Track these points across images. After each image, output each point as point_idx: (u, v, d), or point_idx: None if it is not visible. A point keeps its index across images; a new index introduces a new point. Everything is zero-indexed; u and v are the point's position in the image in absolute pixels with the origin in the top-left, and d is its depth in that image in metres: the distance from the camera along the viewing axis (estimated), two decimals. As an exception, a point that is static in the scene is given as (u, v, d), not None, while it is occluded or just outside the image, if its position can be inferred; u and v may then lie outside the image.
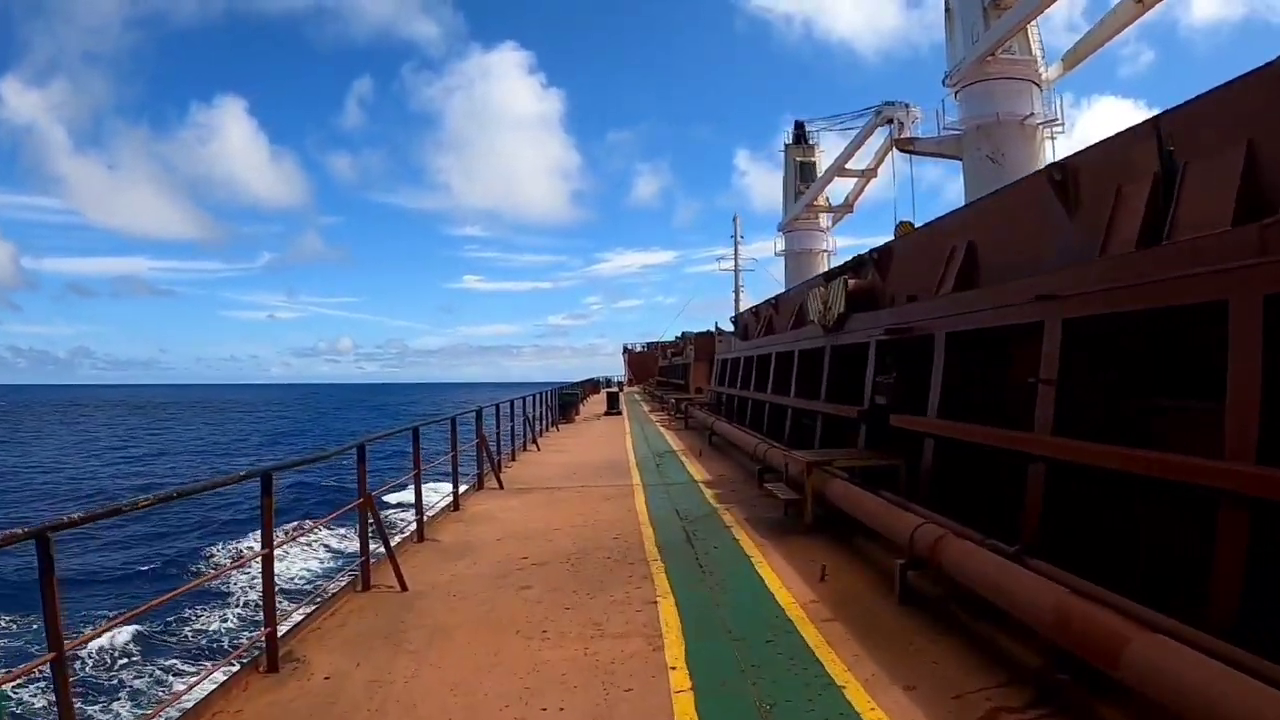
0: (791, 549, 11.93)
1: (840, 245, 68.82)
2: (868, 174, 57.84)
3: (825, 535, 12.60)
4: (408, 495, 21.95)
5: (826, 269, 65.92)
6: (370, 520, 10.33)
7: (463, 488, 16.72)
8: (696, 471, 20.79)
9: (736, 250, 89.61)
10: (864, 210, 65.03)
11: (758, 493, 16.74)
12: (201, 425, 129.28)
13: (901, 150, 43.57)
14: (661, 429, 34.78)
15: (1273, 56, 7.28)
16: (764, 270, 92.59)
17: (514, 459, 23.91)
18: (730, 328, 41.15)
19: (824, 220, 67.18)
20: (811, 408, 19.16)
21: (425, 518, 13.77)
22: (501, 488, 18.48)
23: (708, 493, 17.38)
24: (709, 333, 56.15)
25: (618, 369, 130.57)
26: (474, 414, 18.51)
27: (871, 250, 17.69)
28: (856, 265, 18.57)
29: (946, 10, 42.46)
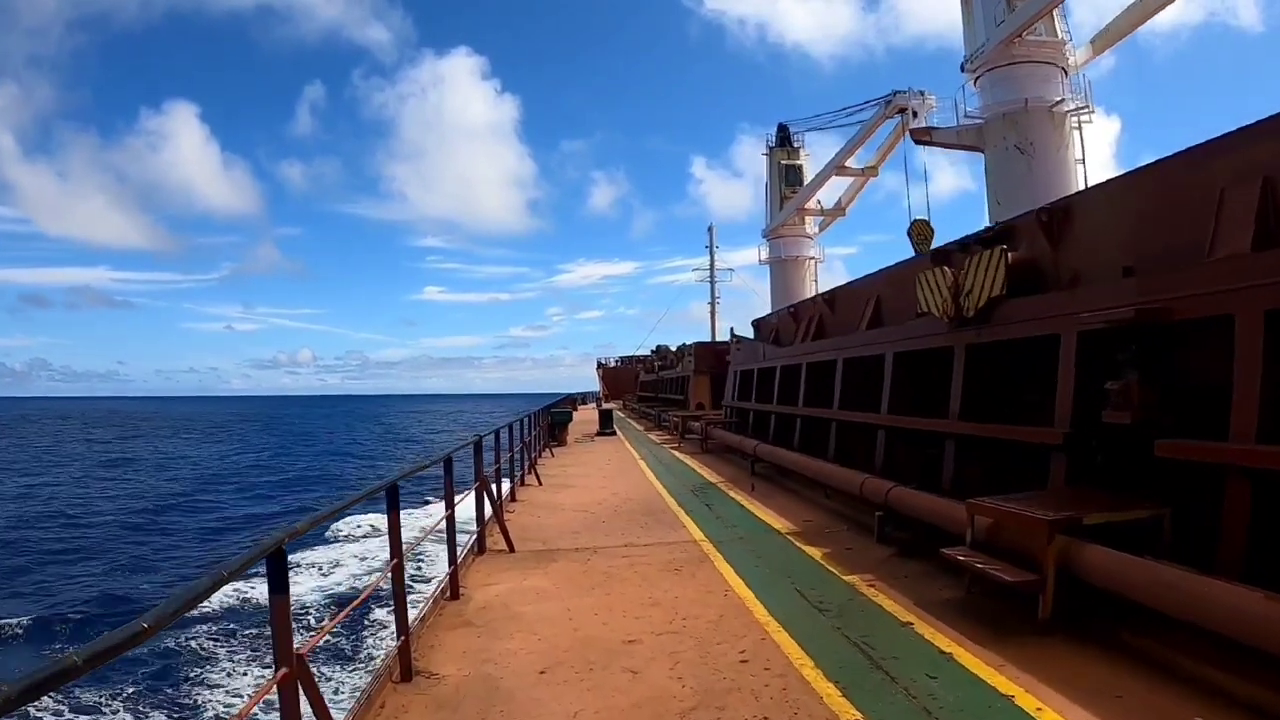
0: (1063, 675, 6.66)
1: (827, 253, 64.09)
2: (868, 173, 52.75)
3: (1079, 637, 7.50)
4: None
5: (814, 276, 62.98)
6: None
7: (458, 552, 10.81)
8: (764, 514, 15.16)
9: (712, 260, 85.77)
10: (852, 214, 60.10)
11: (890, 554, 11.47)
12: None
13: (919, 141, 38.56)
14: (675, 452, 28.78)
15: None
16: (739, 278, 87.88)
17: (514, 498, 17.94)
18: (746, 334, 35.39)
19: (811, 225, 61.92)
20: (935, 428, 13.47)
21: (412, 621, 7.75)
22: (512, 550, 12.54)
23: (811, 551, 11.83)
24: (712, 343, 50.69)
25: (582, 381, 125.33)
26: (472, 445, 12.55)
27: (1038, 211, 12.06)
28: (998, 235, 12.93)
29: None
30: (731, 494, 17.74)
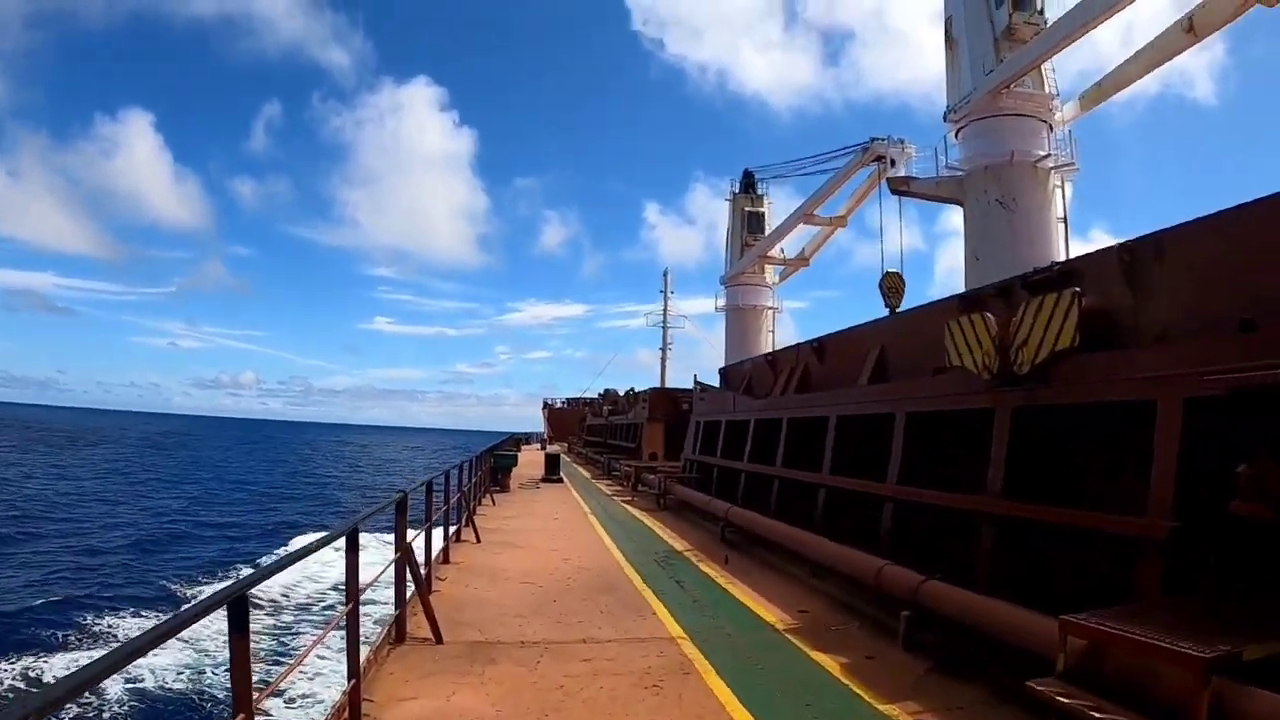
0: None
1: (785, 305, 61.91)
2: (836, 222, 50.34)
3: None
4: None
5: (771, 327, 60.71)
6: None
7: (363, 649, 8.13)
8: (748, 597, 12.52)
9: (666, 305, 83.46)
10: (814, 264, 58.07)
11: (926, 669, 8.84)
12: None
13: (896, 191, 36.17)
14: (629, 507, 25.98)
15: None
16: (690, 326, 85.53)
17: (446, 559, 15.06)
18: (709, 382, 32.76)
19: (771, 275, 59.69)
20: (966, 506, 10.97)
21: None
22: (439, 641, 9.65)
23: (823, 661, 9.19)
24: (669, 389, 47.94)
25: (526, 421, 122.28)
26: (396, 503, 9.65)
27: (1120, 249, 9.68)
28: (1058, 278, 10.48)
29: (948, 40, 36.12)
30: (703, 566, 15.08)
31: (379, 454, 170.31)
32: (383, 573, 9.21)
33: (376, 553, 17.83)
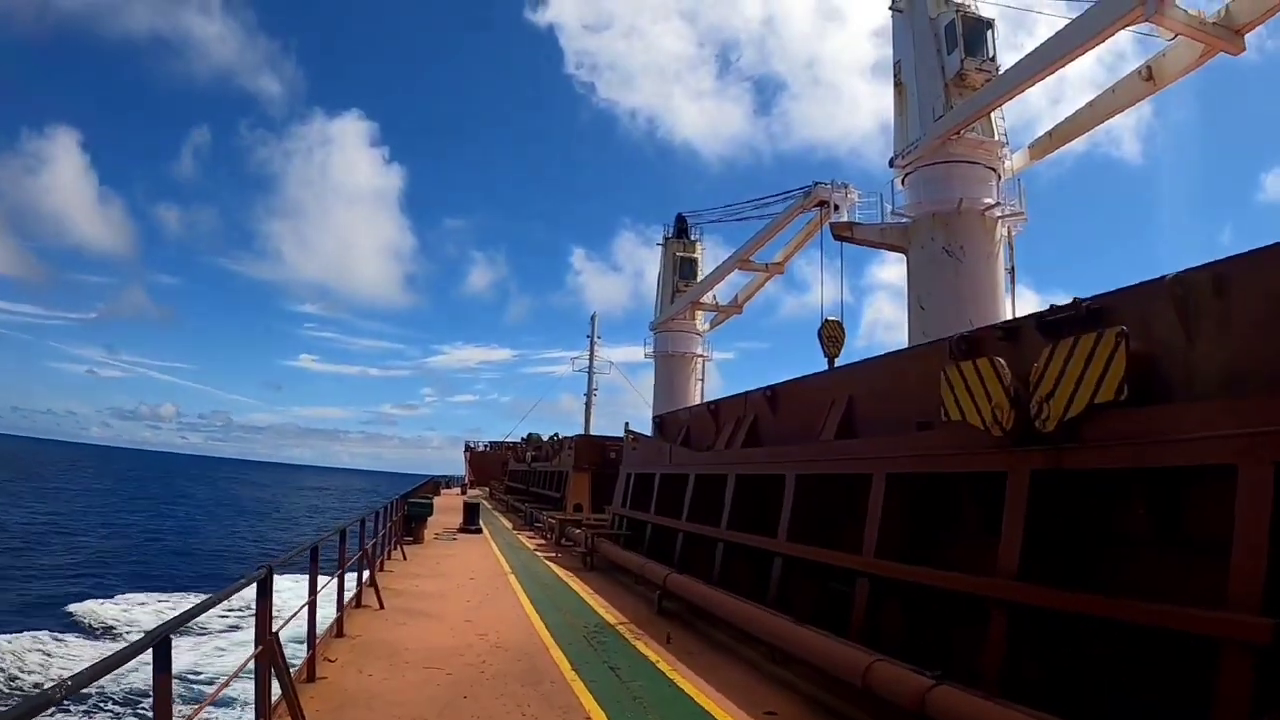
0: None
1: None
2: (772, 269, 48.90)
3: None
4: None
5: (700, 375, 59.04)
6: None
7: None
8: (703, 696, 10.30)
9: (593, 350, 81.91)
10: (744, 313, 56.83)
11: None
12: None
13: (838, 237, 34.72)
14: (552, 565, 23.63)
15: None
16: (615, 373, 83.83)
17: (340, 631, 12.76)
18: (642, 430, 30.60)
19: (701, 322, 58.17)
20: (972, 588, 9.05)
21: None
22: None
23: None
24: (596, 437, 45.69)
25: (449, 464, 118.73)
26: (258, 582, 7.38)
27: (1172, 281, 7.84)
28: (1087, 317, 8.60)
29: (896, 85, 35.04)
30: (640, 646, 12.93)
31: (276, 495, 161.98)
32: (240, 669, 6.98)
33: (291, 593, 15.28)
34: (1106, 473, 7.97)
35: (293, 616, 9.08)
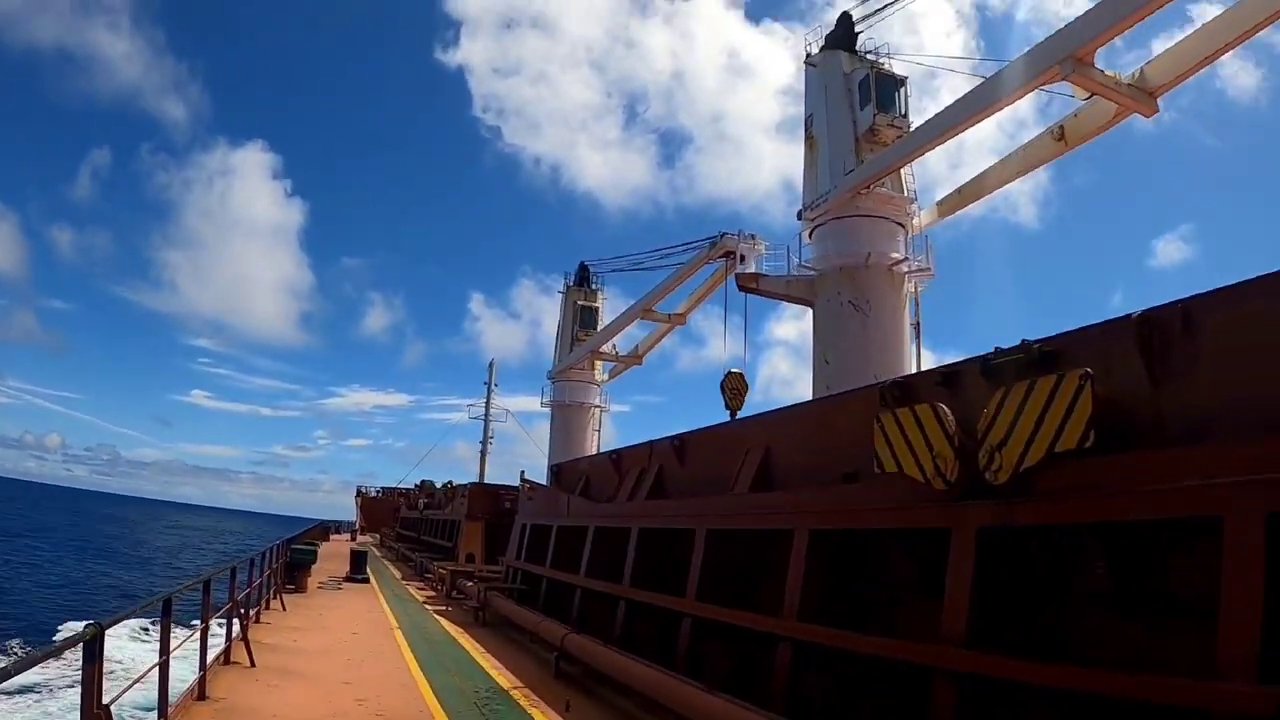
0: None
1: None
2: (674, 320, 48.35)
3: None
4: None
5: (597, 426, 58.10)
6: None
7: None
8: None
9: (489, 398, 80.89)
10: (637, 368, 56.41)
11: None
12: None
13: (744, 289, 34.42)
14: (442, 620, 22.10)
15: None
16: (512, 422, 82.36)
17: (201, 693, 11.27)
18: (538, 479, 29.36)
19: (600, 372, 57.61)
20: (915, 657, 8.15)
21: None
22: None
23: None
24: (490, 485, 44.19)
25: (340, 509, 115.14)
26: (84, 643, 6.09)
27: (1139, 320, 7.16)
28: (1038, 360, 7.85)
29: (808, 138, 35.08)
30: (537, 716, 11.69)
31: (148, 534, 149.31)
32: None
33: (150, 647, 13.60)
34: (1064, 528, 7.24)
35: (136, 681, 7.84)
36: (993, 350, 8.62)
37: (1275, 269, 6.36)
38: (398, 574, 38.28)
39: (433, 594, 29.42)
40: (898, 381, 10.07)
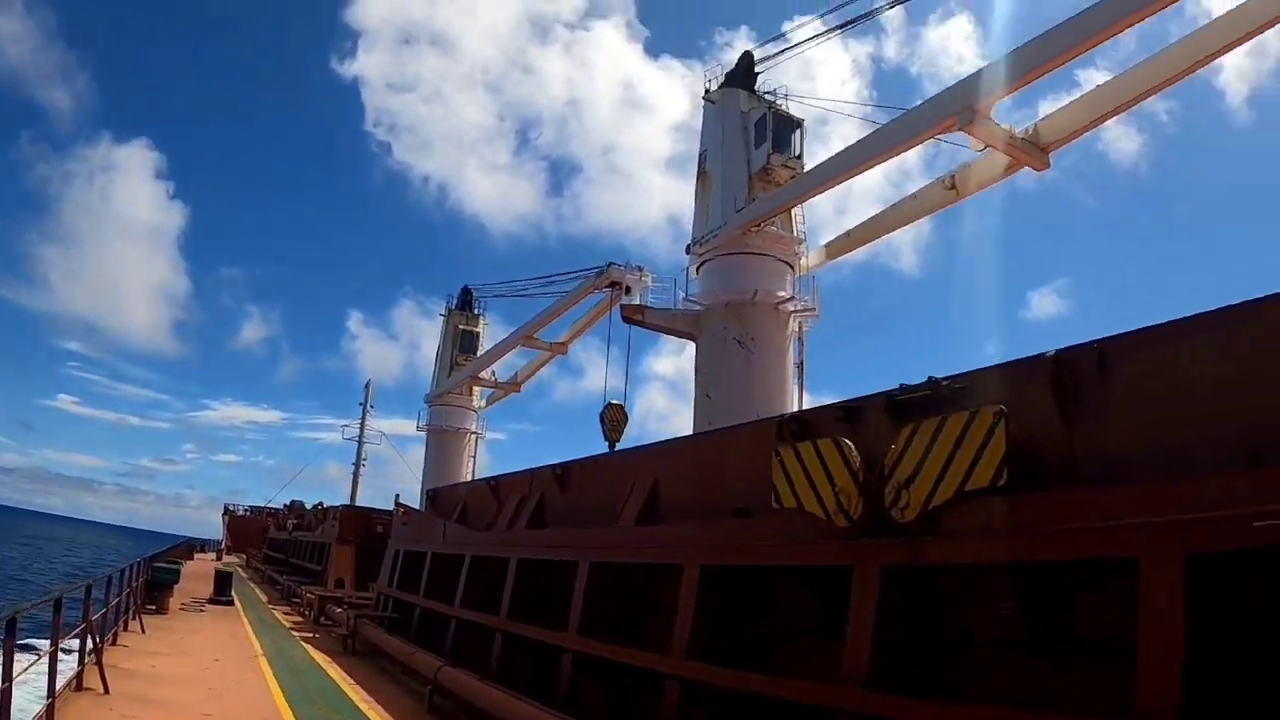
0: None
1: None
2: (555, 348, 47.92)
3: None
4: None
5: (473, 453, 57.13)
6: None
7: None
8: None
9: (364, 419, 79.16)
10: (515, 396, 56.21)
11: None
12: None
13: (629, 320, 33.99)
14: (310, 648, 21.06)
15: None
16: (386, 445, 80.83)
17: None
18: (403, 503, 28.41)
19: (478, 398, 56.84)
20: (814, 699, 7.74)
21: None
22: None
23: None
24: (363, 508, 42.88)
25: (207, 527, 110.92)
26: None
27: (1054, 359, 7.07)
28: (949, 395, 7.69)
29: (701, 173, 34.82)
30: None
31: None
32: None
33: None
34: (973, 567, 7.00)
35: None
36: (898, 387, 8.39)
37: (1168, 319, 6.40)
38: (264, 597, 36.83)
39: (300, 619, 28.24)
40: (796, 415, 9.85)
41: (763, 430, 10.07)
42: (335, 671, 17.52)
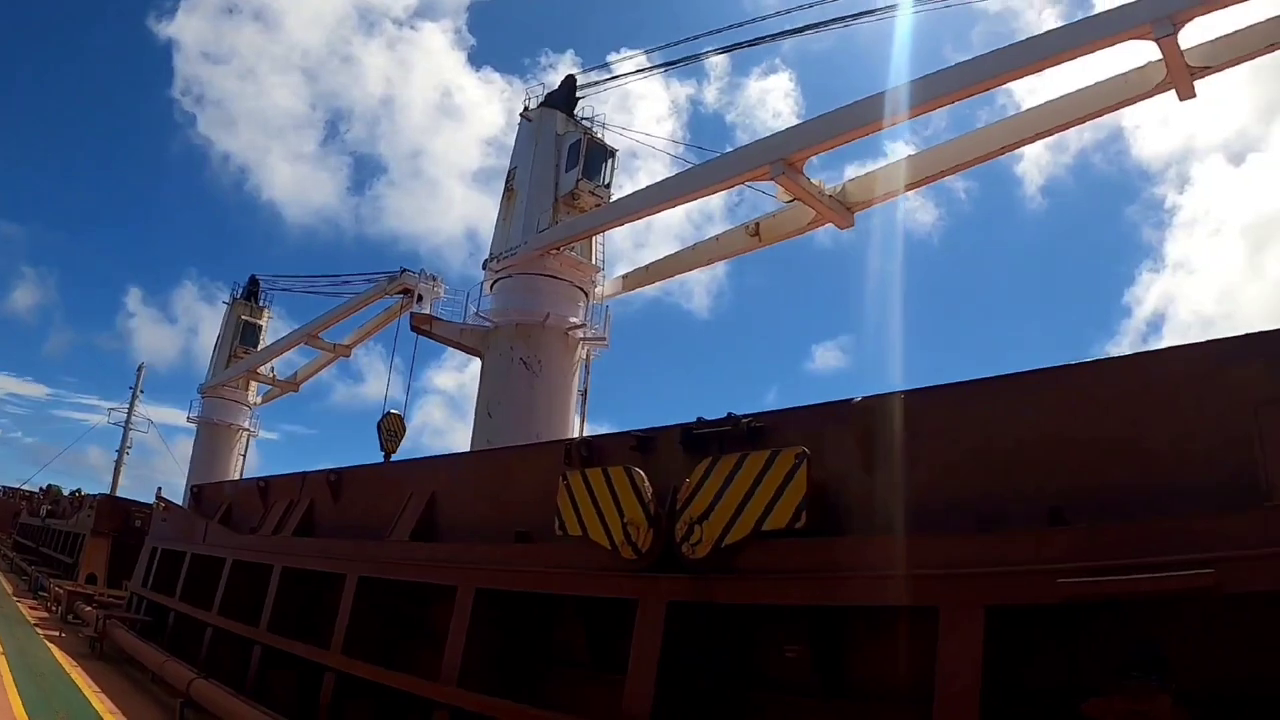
0: None
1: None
2: (339, 350, 46.51)
3: None
4: None
5: (244, 450, 54.76)
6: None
7: None
8: None
9: (133, 405, 74.92)
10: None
11: None
12: None
13: (417, 329, 33.19)
14: (54, 649, 19.17)
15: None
16: (153, 434, 76.93)
17: None
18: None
19: (254, 394, 54.95)
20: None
21: None
22: None
23: None
24: (122, 499, 40.10)
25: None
26: None
27: (859, 404, 7.14)
28: (747, 433, 7.63)
29: (508, 189, 34.44)
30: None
31: None
32: None
33: None
34: (764, 608, 6.74)
35: None
36: (695, 420, 8.10)
37: (972, 377, 6.45)
38: (9, 588, 33.93)
39: (46, 615, 26.01)
40: (587, 440, 9.43)
41: (551, 452, 9.65)
42: (80, 677, 15.89)
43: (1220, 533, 4.58)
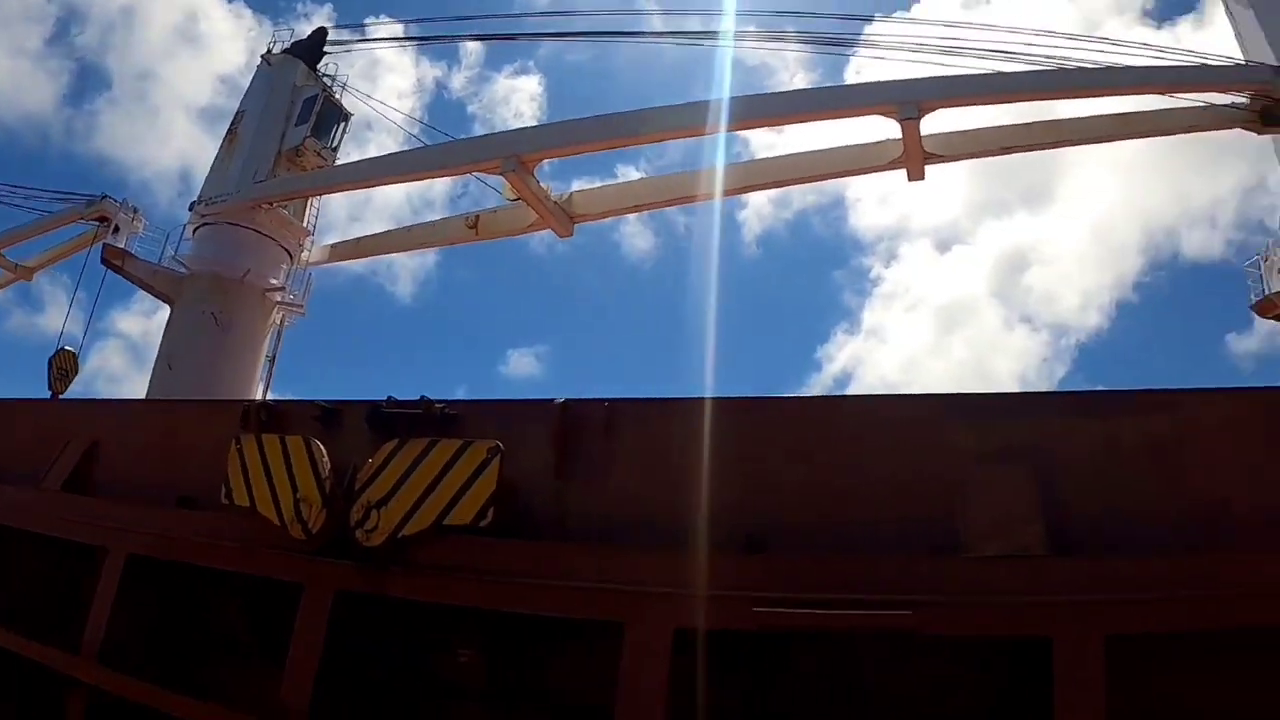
0: None
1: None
2: (21, 272, 41.79)
3: None
4: None
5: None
6: None
7: None
8: None
9: None
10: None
11: None
12: None
13: (108, 263, 30.06)
14: None
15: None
16: None
17: None
18: None
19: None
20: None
21: None
22: None
23: None
24: None
25: None
26: None
27: (562, 404, 6.94)
28: (441, 419, 7.24)
29: (231, 132, 31.70)
30: None
31: None
32: None
33: None
34: (441, 607, 6.32)
35: None
36: (385, 399, 7.62)
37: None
38: None
39: None
40: (268, 404, 8.79)
41: (228, 411, 8.82)
42: None
43: (922, 576, 4.63)
